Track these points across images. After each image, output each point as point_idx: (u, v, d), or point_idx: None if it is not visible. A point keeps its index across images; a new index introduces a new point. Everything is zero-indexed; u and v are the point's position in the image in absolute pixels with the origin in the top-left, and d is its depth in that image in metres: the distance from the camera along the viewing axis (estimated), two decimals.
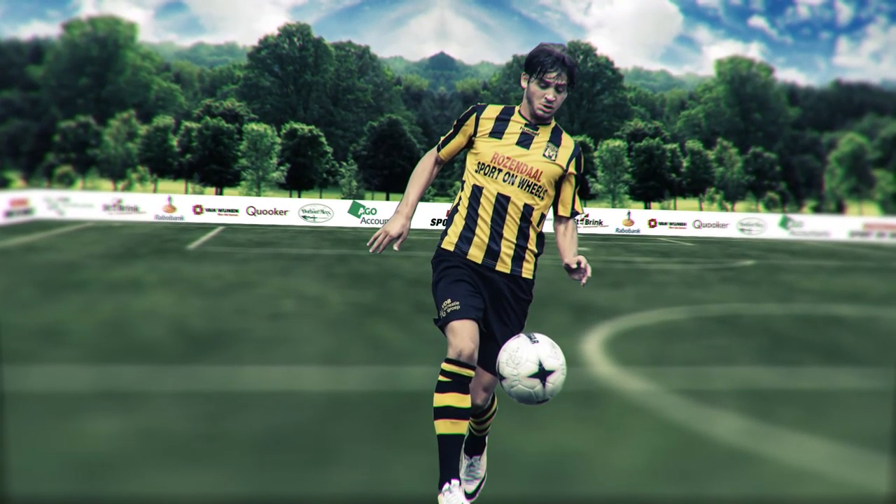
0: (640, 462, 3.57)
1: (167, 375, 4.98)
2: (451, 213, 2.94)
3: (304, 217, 24.78)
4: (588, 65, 64.27)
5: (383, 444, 3.74)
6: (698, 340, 6.83)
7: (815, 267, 15.13)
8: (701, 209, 59.25)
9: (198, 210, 24.18)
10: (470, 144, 2.94)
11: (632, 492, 3.24)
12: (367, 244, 2.90)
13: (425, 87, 54.39)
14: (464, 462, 3.10)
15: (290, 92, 52.52)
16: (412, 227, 26.95)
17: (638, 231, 26.66)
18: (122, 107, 48.63)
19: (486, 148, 2.86)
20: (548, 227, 2.92)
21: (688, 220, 27.58)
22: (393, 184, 50.92)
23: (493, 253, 2.86)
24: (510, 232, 2.85)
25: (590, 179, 59.68)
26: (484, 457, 3.15)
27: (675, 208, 63.06)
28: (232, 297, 8.30)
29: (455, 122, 3.01)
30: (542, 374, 2.69)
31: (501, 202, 2.83)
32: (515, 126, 2.89)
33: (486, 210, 2.85)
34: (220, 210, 24.48)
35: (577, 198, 2.98)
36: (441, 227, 26.00)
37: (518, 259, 2.88)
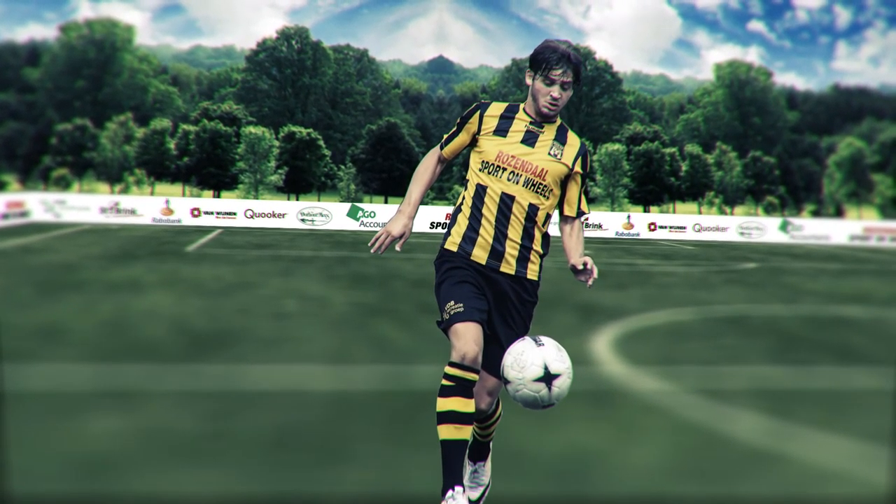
0: (659, 461, 3.48)
1: (169, 374, 4.89)
2: (455, 213, 2.88)
3: (303, 220, 24.71)
4: (587, 68, 64.34)
5: (393, 443, 3.65)
6: (707, 340, 6.75)
7: (818, 270, 15.10)
8: (700, 213, 59.27)
9: (195, 213, 24.08)
10: (473, 143, 2.87)
11: (653, 490, 3.15)
12: (369, 244, 2.83)
13: (424, 90, 54.37)
14: (468, 468, 3.01)
15: (289, 95, 52.46)
16: (414, 228, 26.63)
17: (638, 234, 26.66)
18: (119, 109, 48.52)
19: (491, 146, 2.80)
20: (553, 229, 2.86)
21: (688, 223, 27.60)
22: (391, 187, 50.86)
23: (497, 254, 2.79)
24: (515, 232, 2.79)
25: (589, 183, 59.71)
26: (488, 463, 3.06)
27: (674, 212, 63.10)
28: (233, 298, 8.21)
29: (458, 120, 2.93)
30: (548, 377, 2.62)
31: (506, 202, 2.77)
32: (520, 124, 2.82)
33: (490, 210, 2.78)
34: (217, 213, 24.39)
35: (583, 197, 2.91)
36: (440, 230, 25.94)
37: (523, 260, 2.82)
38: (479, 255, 2.80)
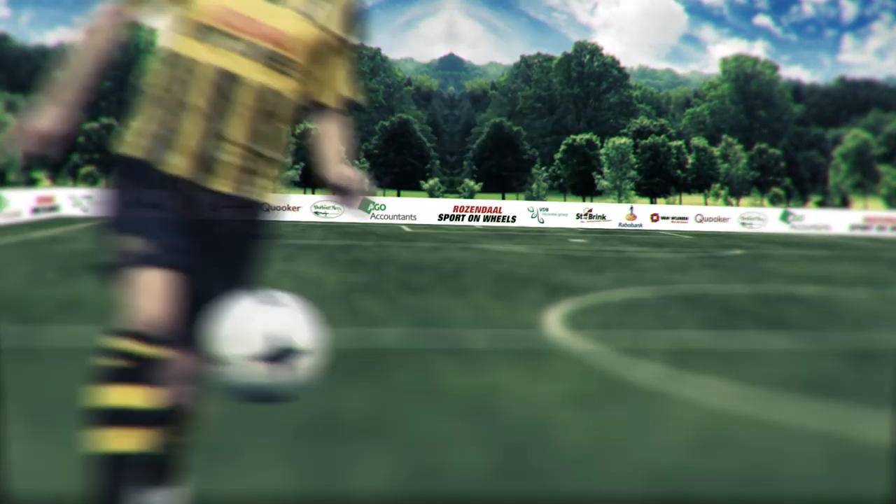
0: (558, 393, 4.08)
1: None
2: (139, 101, 1.95)
3: (316, 213, 25.40)
4: (594, 64, 64.56)
5: (337, 377, 4.29)
6: (653, 312, 7.33)
7: (801, 256, 15.46)
8: (706, 205, 59.37)
9: None
10: None
11: (544, 415, 3.75)
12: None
13: (435, 87, 54.98)
14: (148, 498, 1.81)
15: None
16: (420, 220, 27.18)
17: (640, 225, 26.92)
18: None
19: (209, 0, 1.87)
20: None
21: (690, 214, 27.81)
22: (404, 181, 51.58)
23: (208, 162, 1.87)
24: (238, 130, 1.88)
25: (596, 177, 59.97)
26: (182, 490, 2.04)
27: (680, 204, 63.22)
28: None
29: None
30: (283, 355, 1.79)
31: (224, 83, 1.85)
32: None
33: (197, 95, 1.85)
34: None
35: (348, 80, 2.06)
36: (449, 222, 26.36)
37: (248, 173, 1.92)
38: (179, 164, 1.87)
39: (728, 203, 62.96)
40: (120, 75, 51.18)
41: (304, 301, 1.98)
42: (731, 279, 10.57)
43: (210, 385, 1.94)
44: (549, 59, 60.68)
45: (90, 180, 46.04)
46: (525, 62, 60.33)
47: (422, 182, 50.71)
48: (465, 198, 45.40)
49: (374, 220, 25.18)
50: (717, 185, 65.79)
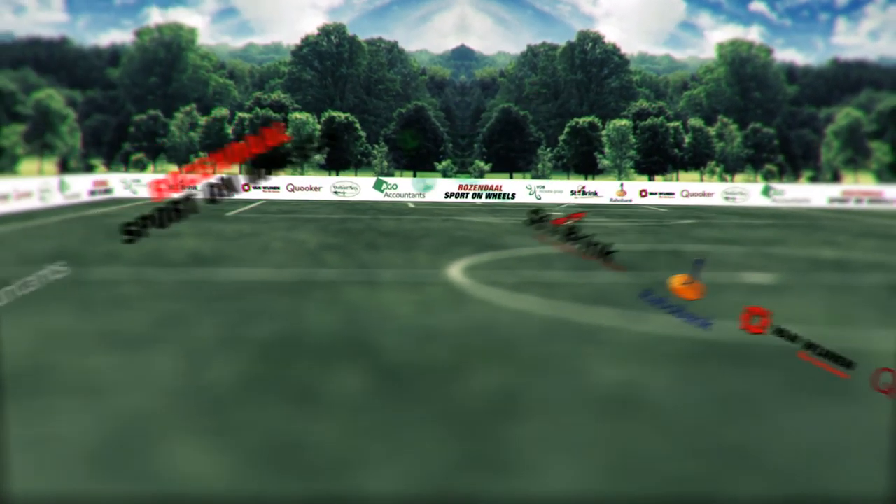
0: (417, 302, 5.93)
1: (181, 275, 7.54)
2: None
3: (335, 192, 27.09)
4: (596, 51, 65.29)
5: (293, 300, 6.20)
6: (541, 262, 9.11)
7: (742, 224, 15.42)
8: (702, 181, 60.05)
9: (245, 188, 26.61)
10: None
11: (395, 314, 5.61)
12: None
13: (447, 76, 56.54)
14: None
15: (329, 84, 55.18)
16: (429, 197, 28.09)
17: (630, 201, 26.76)
18: (185, 101, 51.90)
19: None
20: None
21: (676, 189, 27.71)
22: (419, 163, 53.28)
23: None
24: None
25: (598, 156, 61.05)
26: None
27: (677, 180, 63.90)
28: (239, 242, 10.84)
29: None
30: None
31: None
32: None
33: None
34: (264, 188, 27.08)
35: None
36: (455, 199, 26.98)
37: None
38: None
39: (723, 179, 63.46)
40: (165, 72, 53.42)
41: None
42: (646, 241, 12.09)
43: None
44: (554, 47, 61.65)
45: (140, 166, 48.55)
46: (531, 51, 61.37)
47: (436, 163, 52.43)
48: (475, 177, 46.82)
49: (386, 199, 26.58)
50: (713, 163, 66.32)
